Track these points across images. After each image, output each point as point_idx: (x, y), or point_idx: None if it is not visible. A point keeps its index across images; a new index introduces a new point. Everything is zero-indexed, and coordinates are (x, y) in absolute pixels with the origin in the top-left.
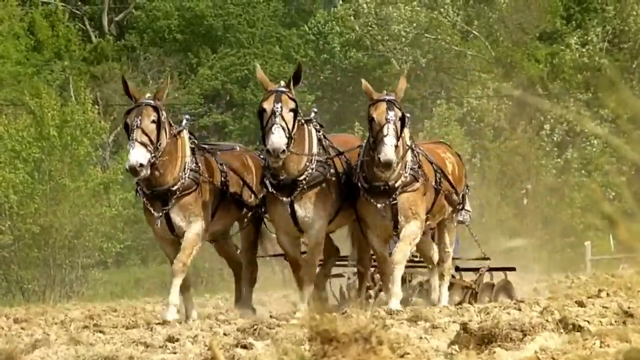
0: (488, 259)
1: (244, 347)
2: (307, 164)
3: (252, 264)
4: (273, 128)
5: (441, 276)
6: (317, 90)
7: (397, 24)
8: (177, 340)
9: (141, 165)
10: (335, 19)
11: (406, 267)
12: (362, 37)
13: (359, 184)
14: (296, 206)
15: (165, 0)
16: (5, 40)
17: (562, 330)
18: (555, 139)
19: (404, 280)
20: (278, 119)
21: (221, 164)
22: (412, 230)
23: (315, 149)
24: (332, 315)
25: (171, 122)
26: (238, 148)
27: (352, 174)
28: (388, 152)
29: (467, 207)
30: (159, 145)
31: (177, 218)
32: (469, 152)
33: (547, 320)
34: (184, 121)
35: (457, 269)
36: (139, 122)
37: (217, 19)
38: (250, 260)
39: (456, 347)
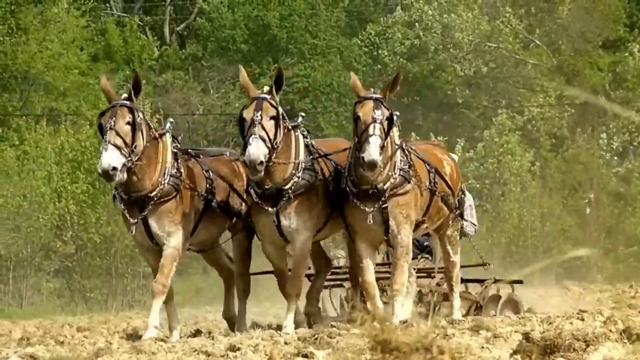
0: (488, 264)
1: (305, 356)
2: (293, 172)
3: (245, 276)
4: (251, 139)
5: (450, 287)
6: None
7: (459, 31)
8: (239, 349)
9: (114, 168)
10: (388, 28)
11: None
12: (424, 43)
13: (347, 188)
14: (281, 216)
15: (233, 11)
16: (68, 51)
17: (625, 341)
18: (615, 147)
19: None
20: (257, 129)
21: (207, 170)
22: (402, 246)
23: (302, 156)
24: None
25: (151, 124)
26: (228, 154)
27: (340, 179)
28: (373, 152)
29: (474, 220)
30: (135, 148)
31: (155, 225)
32: (529, 161)
33: (610, 331)
34: (167, 125)
35: (462, 280)
36: (112, 124)
37: (282, 30)
38: (242, 272)
39: (518, 357)
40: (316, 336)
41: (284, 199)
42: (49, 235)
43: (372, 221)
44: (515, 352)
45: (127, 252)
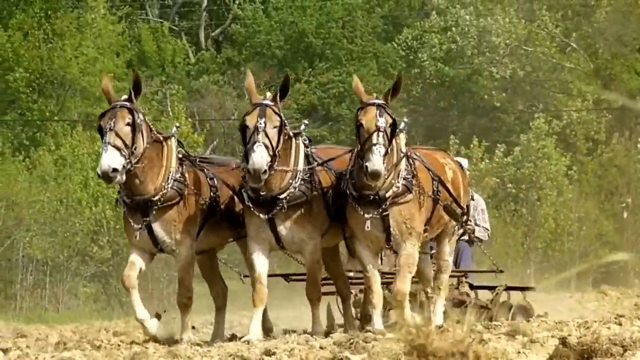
0: (501, 271)
1: None
2: (290, 181)
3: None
4: (255, 146)
5: (437, 289)
6: (411, 104)
7: (495, 35)
8: (274, 354)
9: (114, 170)
10: (425, 32)
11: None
12: (461, 48)
13: (348, 192)
14: (279, 226)
15: (269, 16)
16: (104, 56)
17: None
18: None
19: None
20: (261, 136)
21: (211, 178)
22: (408, 255)
23: (301, 165)
24: (428, 329)
25: (152, 127)
26: (234, 164)
27: (340, 183)
28: (376, 161)
29: (486, 224)
30: (135, 150)
31: (161, 232)
32: (565, 165)
33: None
34: (174, 129)
35: (472, 287)
36: (112, 125)
37: (318, 37)
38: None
39: None
40: (352, 340)
41: (278, 207)
42: (85, 240)
43: (369, 227)
44: (551, 357)
45: (162, 256)
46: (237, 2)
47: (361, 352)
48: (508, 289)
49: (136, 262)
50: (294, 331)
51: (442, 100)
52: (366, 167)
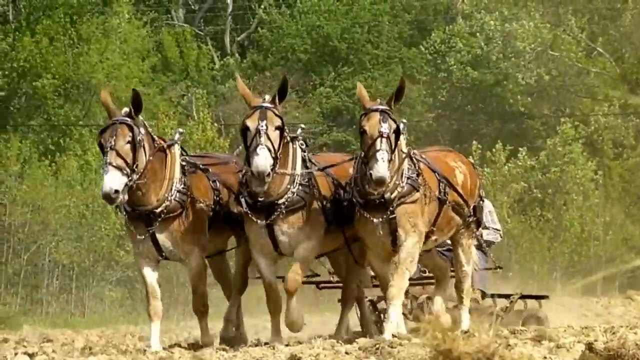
0: (499, 267)
1: None
2: (289, 186)
3: (244, 285)
4: (258, 149)
5: (460, 299)
6: (437, 109)
7: (521, 40)
8: (299, 359)
9: (116, 191)
10: (453, 36)
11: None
12: (487, 53)
13: (354, 200)
14: (278, 232)
15: (295, 20)
16: (129, 61)
17: None
18: None
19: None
20: (263, 139)
21: (214, 181)
22: (407, 252)
23: (299, 170)
24: (454, 334)
25: (154, 136)
26: (234, 160)
27: (340, 193)
28: (381, 168)
29: (496, 225)
30: (136, 167)
31: (166, 242)
32: (592, 170)
33: None
34: (177, 135)
35: (485, 295)
36: (112, 144)
37: (342, 42)
38: (239, 281)
39: None
40: (377, 346)
41: (276, 213)
42: (111, 245)
43: (381, 232)
44: None
45: None
46: (262, 6)
47: (387, 357)
48: (523, 297)
49: (155, 286)
50: (320, 336)
51: (468, 105)
52: (370, 174)
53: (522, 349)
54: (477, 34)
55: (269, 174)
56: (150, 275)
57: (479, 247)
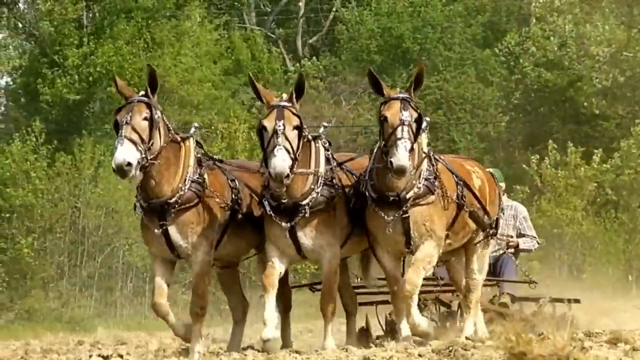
0: (534, 282)
1: None
2: (312, 186)
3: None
4: (276, 150)
5: (467, 308)
6: (510, 111)
7: (595, 44)
8: None
9: (129, 164)
10: (528, 38)
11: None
12: (560, 57)
13: (367, 193)
14: (300, 233)
15: (368, 21)
16: (202, 64)
17: None
18: None
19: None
20: (281, 139)
21: (232, 180)
22: (426, 253)
23: (322, 170)
24: (528, 337)
25: (170, 126)
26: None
27: (359, 186)
28: (402, 156)
29: (533, 232)
30: (151, 146)
31: (177, 236)
32: None
33: None
34: (192, 129)
35: (516, 299)
36: (128, 119)
37: (415, 43)
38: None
39: None
40: (450, 348)
41: (300, 214)
42: None
43: (391, 230)
44: None
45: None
46: (341, 4)
47: (460, 359)
48: (553, 300)
49: (163, 285)
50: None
51: (542, 107)
52: (391, 162)
53: (597, 352)
54: (551, 37)
55: (287, 175)
56: (161, 273)
57: (516, 255)
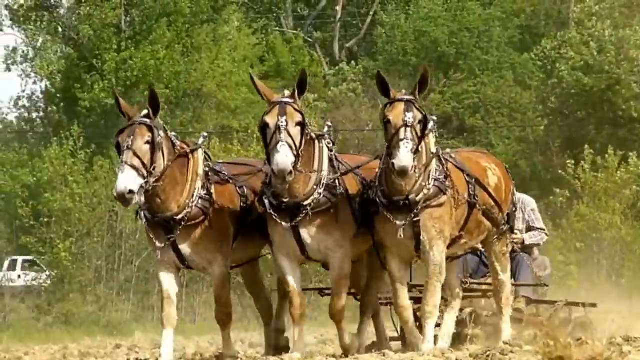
0: (545, 285)
1: None
2: (315, 186)
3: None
4: (278, 146)
5: (499, 309)
6: (548, 115)
7: (634, 48)
8: None
9: (131, 191)
10: (565, 43)
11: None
12: (600, 62)
13: (377, 199)
14: (305, 235)
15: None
16: (239, 69)
17: None
18: None
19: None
20: (283, 135)
21: (241, 187)
22: (435, 265)
23: (325, 169)
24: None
25: (175, 141)
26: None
27: (368, 192)
28: (404, 157)
29: (541, 224)
30: (154, 170)
31: (188, 251)
32: None
33: None
34: (200, 139)
35: (531, 301)
36: (130, 143)
37: (451, 46)
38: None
39: None
40: (488, 353)
41: (301, 215)
42: None
43: (402, 235)
44: None
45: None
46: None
47: None
48: (568, 304)
49: (171, 294)
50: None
51: (579, 111)
52: (393, 164)
53: (635, 357)
54: (591, 43)
55: (290, 172)
56: (168, 281)
57: (529, 253)
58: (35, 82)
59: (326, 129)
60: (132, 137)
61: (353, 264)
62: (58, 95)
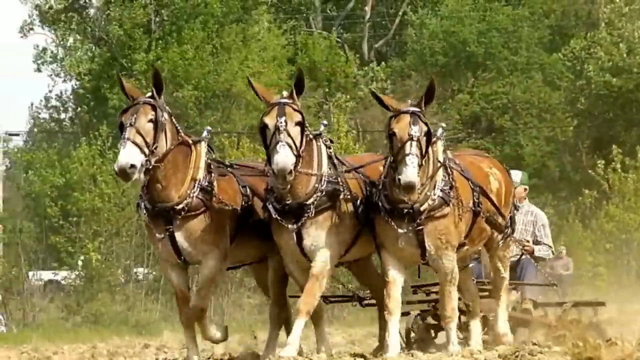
0: (554, 285)
1: None
2: (316, 185)
3: (280, 301)
4: (278, 146)
5: (498, 305)
6: (577, 116)
7: None
8: None
9: (132, 166)
10: (594, 43)
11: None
12: (629, 63)
13: (380, 204)
14: (303, 233)
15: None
16: (268, 69)
17: None
18: None
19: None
20: (283, 136)
21: (244, 186)
22: (446, 273)
23: (325, 168)
24: (596, 343)
25: (179, 128)
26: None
27: (372, 193)
28: (410, 173)
29: (549, 241)
30: (155, 149)
31: (185, 243)
32: None
33: None
34: (204, 132)
35: (536, 304)
36: (133, 121)
37: (480, 46)
38: (278, 297)
39: None
40: (517, 353)
41: (306, 215)
42: None
43: (403, 243)
44: None
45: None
46: (408, 7)
47: None
48: (576, 304)
49: (184, 290)
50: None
51: (609, 111)
52: (399, 179)
53: None
54: (620, 44)
55: (290, 172)
56: (178, 280)
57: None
58: (65, 81)
59: (322, 127)
60: (135, 115)
61: (361, 262)
62: (87, 96)
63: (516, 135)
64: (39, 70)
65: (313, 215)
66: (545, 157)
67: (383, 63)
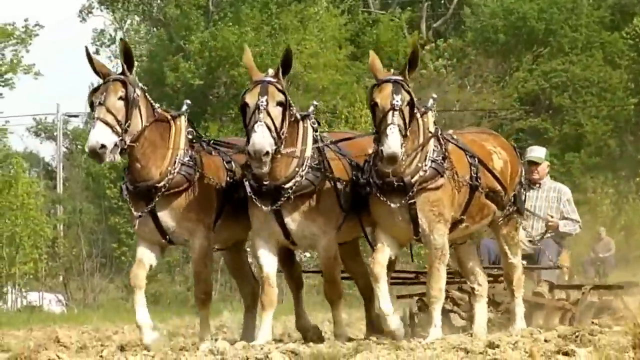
0: (559, 267)
1: (565, 353)
2: (297, 169)
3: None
4: (256, 126)
5: (511, 293)
6: (638, 95)
7: None
8: (498, 346)
9: (103, 146)
10: None
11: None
12: None
13: (371, 179)
14: (287, 219)
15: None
16: (326, 49)
17: None
18: None
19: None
20: (262, 115)
21: (229, 162)
22: (436, 249)
23: (309, 152)
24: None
25: (153, 103)
26: None
27: (359, 175)
28: (392, 143)
29: (576, 216)
30: (128, 127)
31: (169, 221)
32: None
33: None
34: (184, 107)
35: (557, 286)
36: (102, 99)
37: (540, 22)
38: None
39: None
40: (577, 333)
41: (283, 198)
42: None
43: (400, 218)
44: None
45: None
46: None
47: (587, 344)
48: (595, 287)
49: (144, 259)
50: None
51: None
52: (381, 150)
53: None
54: None
55: (267, 153)
56: (144, 252)
57: (559, 239)
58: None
59: (311, 108)
60: (104, 94)
61: (347, 246)
62: (145, 77)
63: (575, 114)
64: (97, 52)
65: (293, 199)
66: (605, 136)
67: (440, 41)
